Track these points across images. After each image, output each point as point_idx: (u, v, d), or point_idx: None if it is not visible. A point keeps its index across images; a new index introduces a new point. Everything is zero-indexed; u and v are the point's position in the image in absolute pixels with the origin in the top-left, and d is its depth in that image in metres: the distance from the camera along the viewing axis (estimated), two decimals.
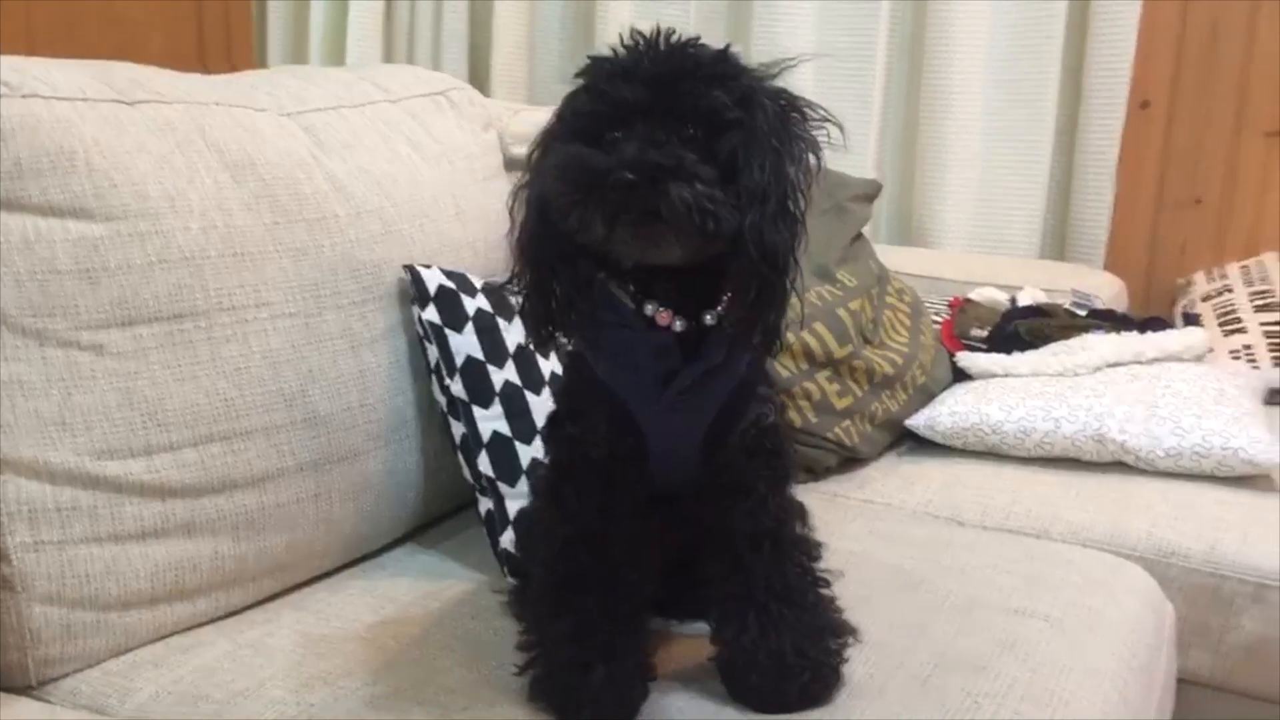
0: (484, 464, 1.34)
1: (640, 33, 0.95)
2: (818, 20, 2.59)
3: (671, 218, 0.87)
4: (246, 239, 1.24)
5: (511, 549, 1.30)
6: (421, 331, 1.38)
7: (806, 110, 0.96)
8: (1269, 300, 2.17)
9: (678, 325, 0.98)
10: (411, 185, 1.46)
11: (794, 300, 0.95)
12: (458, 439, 1.36)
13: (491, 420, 1.35)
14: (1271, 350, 2.08)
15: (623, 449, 1.02)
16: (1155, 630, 1.31)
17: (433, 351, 1.37)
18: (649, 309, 0.98)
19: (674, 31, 0.94)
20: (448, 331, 1.36)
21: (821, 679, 1.04)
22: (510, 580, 1.29)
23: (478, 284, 1.41)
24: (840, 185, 1.90)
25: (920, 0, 2.54)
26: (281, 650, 1.15)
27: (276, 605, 1.25)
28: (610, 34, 2.65)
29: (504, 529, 1.32)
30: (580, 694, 1.01)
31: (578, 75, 0.97)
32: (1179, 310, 2.35)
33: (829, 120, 0.96)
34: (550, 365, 1.41)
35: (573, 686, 1.01)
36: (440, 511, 1.47)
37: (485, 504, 1.34)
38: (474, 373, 1.35)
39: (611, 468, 1.03)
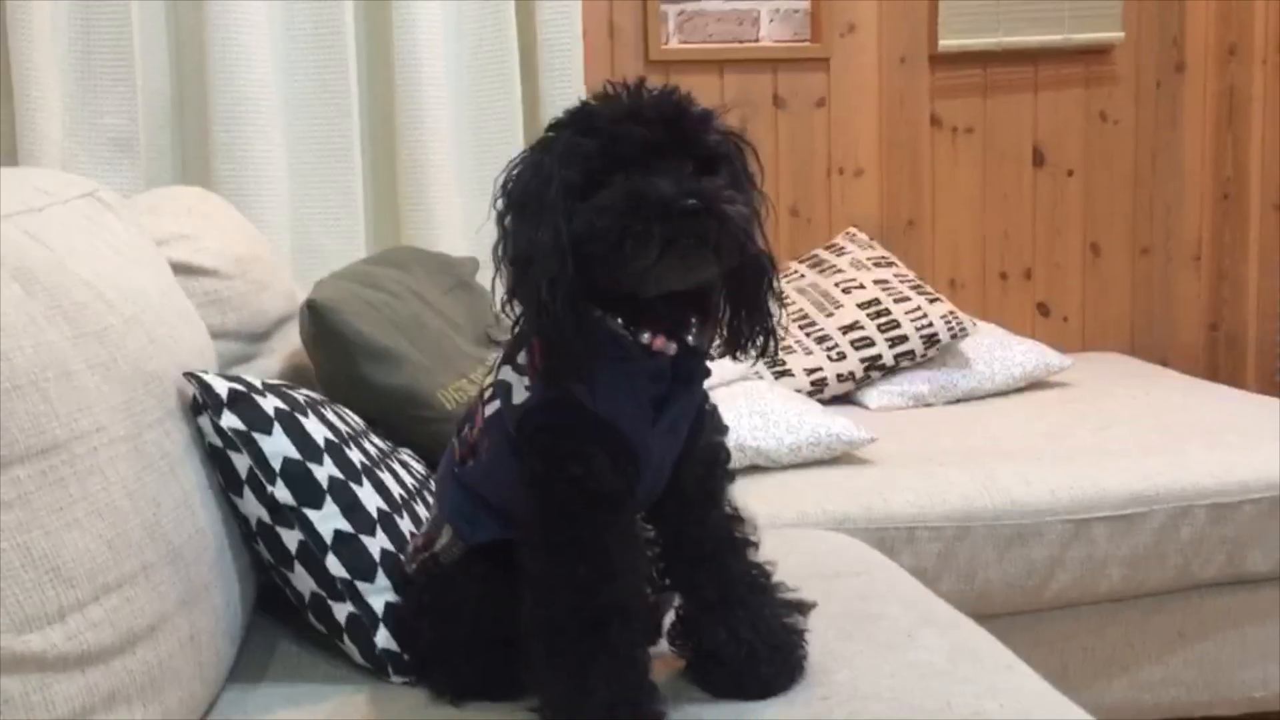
0: (334, 567, 1.24)
1: (623, 82, 1.02)
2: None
3: (724, 240, 0.97)
4: (64, 357, 1.04)
5: (392, 647, 1.22)
6: (221, 441, 1.24)
7: (748, 148, 1.09)
8: None
9: (671, 349, 1.06)
10: (142, 289, 1.29)
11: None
12: (293, 548, 1.24)
13: (329, 520, 1.25)
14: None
15: (625, 480, 1.06)
16: None
17: (242, 460, 1.23)
18: (645, 337, 1.04)
19: (643, 79, 1.03)
20: (256, 435, 1.24)
21: (804, 650, 1.16)
22: (397, 679, 1.22)
23: (258, 383, 1.30)
24: (450, 264, 1.99)
25: (388, 108, 2.66)
26: None
27: None
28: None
29: (375, 629, 1.23)
30: None
31: (562, 125, 1.02)
32: None
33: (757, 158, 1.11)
34: (357, 457, 1.34)
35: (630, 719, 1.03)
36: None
37: (342, 609, 1.24)
38: (295, 474, 1.25)
39: (615, 500, 1.06)
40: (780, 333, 1.09)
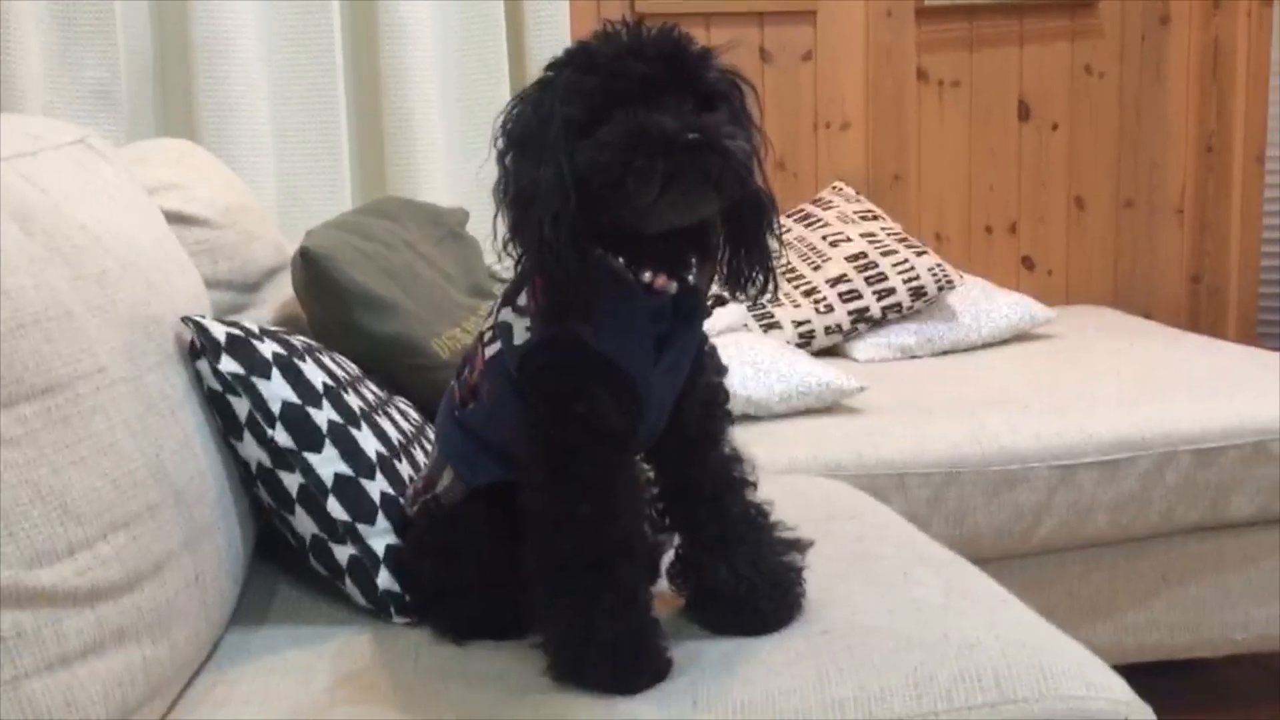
0: (335, 509, 1.24)
1: (622, 21, 1.02)
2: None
3: (725, 175, 0.97)
4: (64, 298, 1.04)
5: (393, 588, 1.24)
6: (220, 385, 1.24)
7: (746, 87, 1.10)
8: None
9: (672, 287, 1.06)
10: (136, 235, 1.29)
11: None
12: (294, 491, 1.24)
13: (329, 463, 1.25)
14: None
15: (628, 418, 1.07)
16: None
17: (241, 404, 1.24)
18: (646, 276, 1.05)
19: (642, 18, 1.03)
20: (254, 379, 1.24)
21: (802, 587, 1.17)
22: (399, 619, 1.23)
23: (255, 328, 1.30)
24: (440, 215, 1.98)
25: (373, 60, 2.64)
26: None
27: (185, 711, 1.06)
28: None
29: (377, 570, 1.24)
30: (645, 659, 1.05)
31: (561, 63, 1.01)
32: None
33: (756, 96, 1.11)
34: (355, 402, 1.34)
35: (634, 654, 1.04)
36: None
37: (344, 551, 1.24)
38: (295, 417, 1.25)
39: (619, 438, 1.07)
40: (779, 271, 1.10)
